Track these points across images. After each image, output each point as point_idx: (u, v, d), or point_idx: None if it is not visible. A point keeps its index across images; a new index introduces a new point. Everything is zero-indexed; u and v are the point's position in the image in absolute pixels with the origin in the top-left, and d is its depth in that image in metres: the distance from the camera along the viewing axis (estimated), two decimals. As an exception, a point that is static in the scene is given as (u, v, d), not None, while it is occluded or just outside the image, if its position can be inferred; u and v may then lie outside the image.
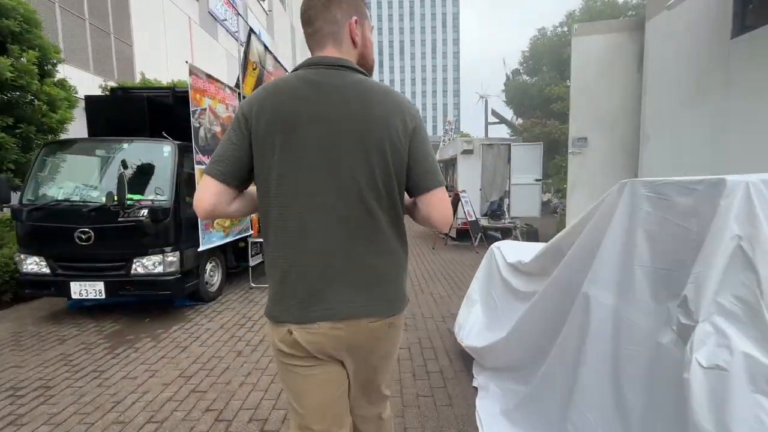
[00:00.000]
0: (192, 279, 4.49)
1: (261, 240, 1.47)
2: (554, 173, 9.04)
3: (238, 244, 5.59)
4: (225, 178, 1.06)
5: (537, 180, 9.21)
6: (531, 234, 9.47)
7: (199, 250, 4.39)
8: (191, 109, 4.29)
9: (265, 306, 1.16)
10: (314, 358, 1.11)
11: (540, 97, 18.74)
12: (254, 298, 5.09)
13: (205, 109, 4.56)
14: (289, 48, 29.04)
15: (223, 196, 1.08)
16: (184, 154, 4.35)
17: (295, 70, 1.11)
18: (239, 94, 5.56)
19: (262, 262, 4.29)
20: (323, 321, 1.06)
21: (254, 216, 5.53)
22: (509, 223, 9.36)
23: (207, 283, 4.88)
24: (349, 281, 1.07)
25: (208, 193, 1.06)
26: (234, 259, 5.65)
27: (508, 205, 9.43)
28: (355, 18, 1.12)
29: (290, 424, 1.21)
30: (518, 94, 19.84)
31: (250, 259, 5.56)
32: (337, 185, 1.04)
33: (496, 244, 3.23)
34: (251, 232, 5.70)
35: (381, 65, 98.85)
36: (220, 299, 5.04)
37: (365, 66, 1.17)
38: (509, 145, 9.47)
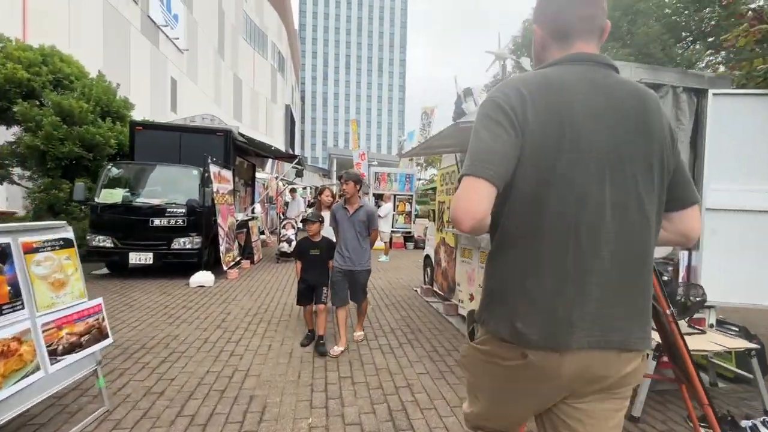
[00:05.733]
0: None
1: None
2: None
3: None
4: (495, 181, 0.90)
5: (788, 197, 3.22)
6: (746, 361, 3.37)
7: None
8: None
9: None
10: None
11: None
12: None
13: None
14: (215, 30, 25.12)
15: (492, 202, 0.90)
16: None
17: (554, 64, 1.02)
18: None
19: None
20: (592, 349, 0.94)
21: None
22: (698, 317, 3.21)
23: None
24: (623, 305, 0.95)
25: (482, 196, 0.89)
26: None
27: (688, 266, 3.28)
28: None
29: (469, 397, 1.20)
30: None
31: None
32: (619, 194, 0.94)
33: None
34: None
35: (325, 77, 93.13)
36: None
37: None
38: (700, 90, 3.26)
